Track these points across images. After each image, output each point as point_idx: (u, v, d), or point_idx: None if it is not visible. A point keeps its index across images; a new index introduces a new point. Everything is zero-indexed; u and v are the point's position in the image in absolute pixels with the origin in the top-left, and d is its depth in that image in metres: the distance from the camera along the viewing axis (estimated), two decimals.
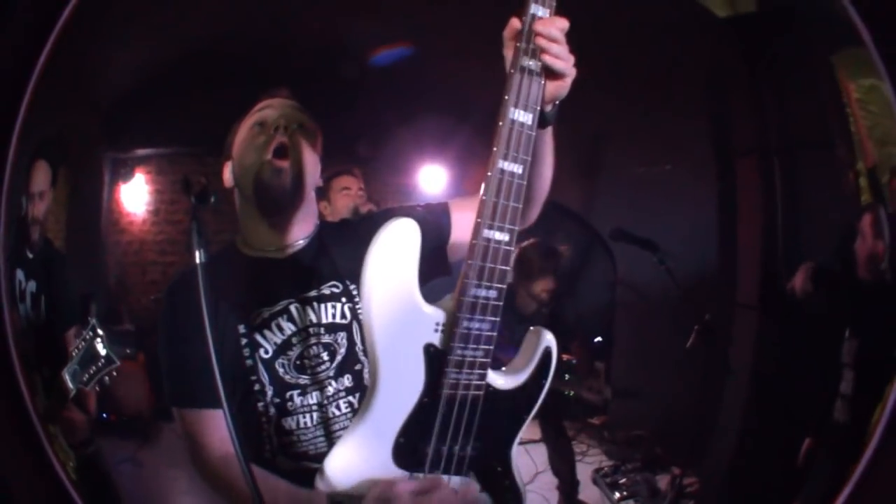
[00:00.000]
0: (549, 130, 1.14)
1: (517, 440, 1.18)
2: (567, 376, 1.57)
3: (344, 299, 1.26)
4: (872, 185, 1.65)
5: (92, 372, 1.34)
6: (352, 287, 1.26)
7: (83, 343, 1.35)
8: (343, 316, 1.25)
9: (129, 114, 1.64)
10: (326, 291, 1.26)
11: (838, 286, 1.58)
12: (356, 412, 1.20)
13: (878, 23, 1.63)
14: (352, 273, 1.25)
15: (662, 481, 1.60)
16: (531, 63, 1.02)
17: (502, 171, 1.02)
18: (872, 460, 1.48)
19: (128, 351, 1.43)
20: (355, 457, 1.09)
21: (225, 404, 1.00)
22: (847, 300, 1.57)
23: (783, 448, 1.60)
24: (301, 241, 1.30)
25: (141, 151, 1.65)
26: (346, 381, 1.25)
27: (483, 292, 1.05)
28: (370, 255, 1.05)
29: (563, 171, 1.43)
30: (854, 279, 1.54)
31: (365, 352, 1.24)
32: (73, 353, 1.37)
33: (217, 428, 1.19)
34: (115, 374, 1.33)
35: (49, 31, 1.66)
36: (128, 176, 1.64)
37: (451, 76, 1.58)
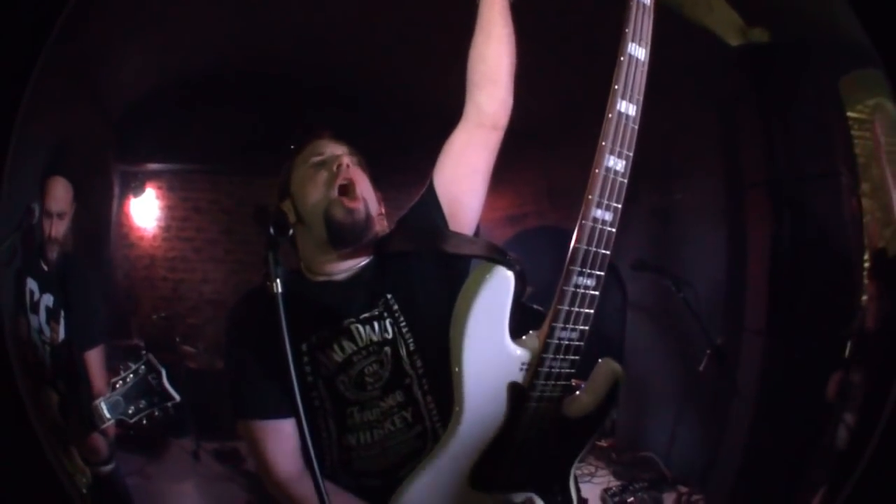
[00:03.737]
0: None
1: (577, 461, 1.24)
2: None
3: (386, 314, 1.31)
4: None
5: (141, 406, 1.37)
6: (391, 301, 1.31)
7: (132, 376, 1.36)
8: (385, 331, 1.30)
9: (141, 126, 1.63)
10: (377, 311, 1.31)
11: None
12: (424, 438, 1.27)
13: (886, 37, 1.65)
14: (392, 286, 1.31)
15: (669, 499, 1.63)
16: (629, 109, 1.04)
17: (595, 218, 1.05)
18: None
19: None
20: (433, 481, 1.18)
21: (303, 415, 1.07)
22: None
23: (786, 467, 1.63)
24: (362, 263, 1.35)
25: (152, 166, 1.64)
26: (398, 396, 1.29)
27: (567, 334, 1.10)
28: (467, 305, 1.10)
29: (573, 197, 1.44)
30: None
31: (411, 365, 1.29)
32: (117, 385, 1.37)
33: (285, 442, 1.26)
34: (170, 409, 1.36)
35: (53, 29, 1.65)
36: (138, 190, 1.64)
37: None
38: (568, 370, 1.12)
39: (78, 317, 1.66)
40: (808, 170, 1.68)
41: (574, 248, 1.06)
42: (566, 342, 1.10)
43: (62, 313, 1.65)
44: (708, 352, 1.57)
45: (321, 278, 1.34)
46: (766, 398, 1.60)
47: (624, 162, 1.05)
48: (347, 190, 1.29)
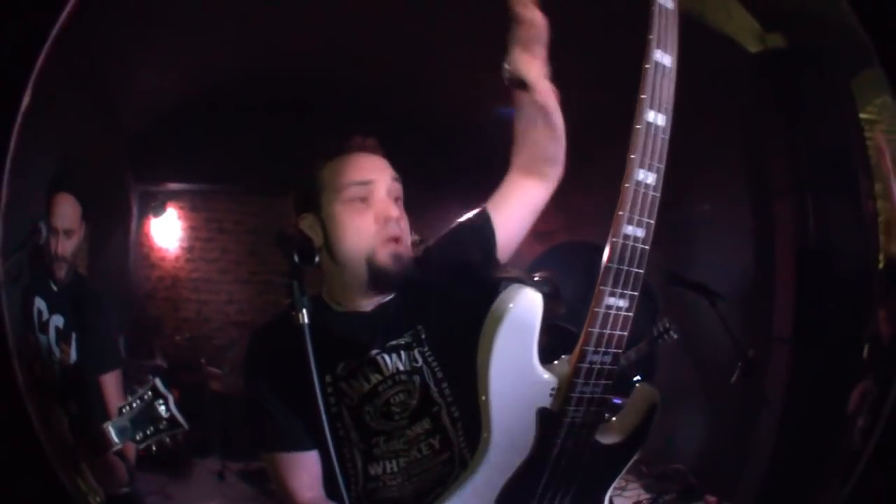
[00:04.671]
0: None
1: (611, 489, 1.19)
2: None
3: (415, 343, 1.26)
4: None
5: (148, 432, 1.33)
6: (420, 330, 1.27)
7: (139, 402, 1.33)
8: (414, 360, 1.26)
9: (161, 145, 1.60)
10: (404, 340, 1.27)
11: None
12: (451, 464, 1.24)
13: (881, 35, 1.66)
14: (421, 316, 1.27)
15: None
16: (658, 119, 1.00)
17: (626, 235, 0.99)
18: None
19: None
20: None
21: (332, 448, 1.05)
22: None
23: (810, 471, 1.65)
24: (390, 295, 1.30)
25: (173, 186, 1.61)
26: (426, 424, 1.26)
27: (600, 357, 1.04)
28: (495, 328, 1.06)
29: (602, 212, 1.44)
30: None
31: (440, 393, 1.25)
32: (124, 410, 1.34)
33: (307, 472, 1.23)
34: (179, 437, 1.30)
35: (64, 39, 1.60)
36: (158, 210, 1.61)
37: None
38: (601, 395, 1.07)
39: (93, 341, 1.63)
40: (830, 175, 1.69)
41: (605, 267, 1.00)
42: (598, 366, 1.04)
43: (73, 335, 1.63)
44: (740, 364, 1.57)
45: (346, 310, 1.29)
46: (793, 406, 1.61)
47: (655, 175, 1.00)
48: (398, 238, 1.23)
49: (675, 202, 1.62)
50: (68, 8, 1.60)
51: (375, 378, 1.25)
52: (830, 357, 1.61)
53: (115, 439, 1.36)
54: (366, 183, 1.24)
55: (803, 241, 1.61)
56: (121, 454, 1.49)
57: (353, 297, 1.28)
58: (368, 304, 1.29)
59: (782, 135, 1.67)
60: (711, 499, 1.64)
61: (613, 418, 1.18)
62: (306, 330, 1.05)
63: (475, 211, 1.32)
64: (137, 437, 1.36)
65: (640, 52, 1.06)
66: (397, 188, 1.27)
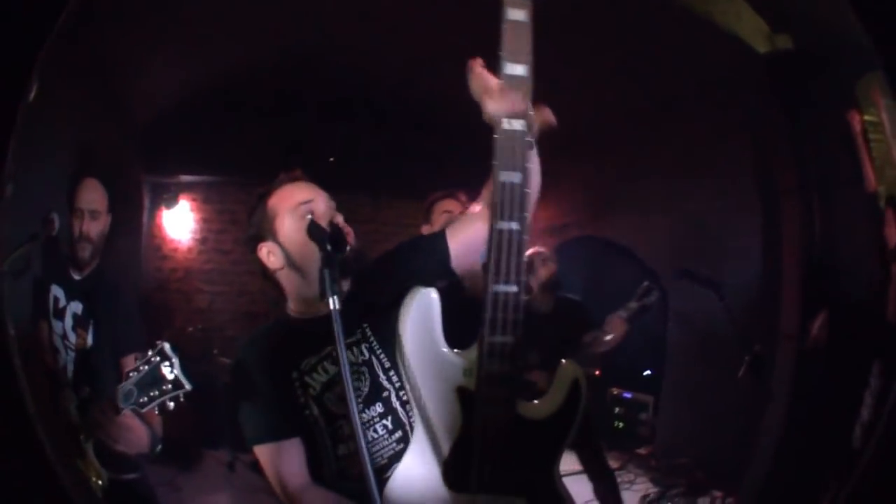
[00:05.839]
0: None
1: (557, 465, 1.29)
2: (617, 409, 1.64)
3: (362, 340, 1.43)
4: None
5: (153, 394, 1.34)
6: (366, 328, 1.44)
7: (145, 366, 1.34)
8: (362, 354, 1.42)
9: (173, 137, 1.61)
10: (354, 338, 1.43)
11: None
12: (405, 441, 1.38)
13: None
14: (366, 316, 1.43)
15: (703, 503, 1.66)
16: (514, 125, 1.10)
17: (500, 231, 1.12)
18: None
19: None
20: (406, 481, 1.31)
21: (360, 431, 1.13)
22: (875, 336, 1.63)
23: (813, 466, 1.66)
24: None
25: (185, 178, 1.63)
26: (378, 407, 1.40)
27: (499, 339, 1.16)
28: (404, 323, 1.28)
29: (612, 207, 1.47)
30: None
31: (388, 379, 1.41)
32: (131, 374, 1.36)
33: (293, 458, 1.38)
34: (182, 398, 1.33)
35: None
36: (171, 202, 1.62)
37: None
38: (511, 372, 1.17)
39: (114, 325, 1.66)
40: (835, 175, 1.71)
41: (487, 257, 1.13)
42: (499, 346, 1.15)
43: (91, 322, 1.65)
44: (747, 358, 1.59)
45: (307, 316, 1.44)
46: (799, 402, 1.62)
47: (520, 174, 1.10)
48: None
49: (685, 199, 1.65)
50: None
51: (332, 369, 1.40)
52: (836, 354, 1.62)
53: (120, 404, 1.37)
54: (310, 201, 1.39)
55: (810, 239, 1.63)
56: (145, 419, 1.50)
57: (312, 306, 1.41)
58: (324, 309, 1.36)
59: (789, 134, 1.69)
60: (717, 493, 1.66)
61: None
62: (337, 315, 1.12)
63: (435, 233, 1.44)
64: (142, 401, 1.36)
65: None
66: (333, 207, 1.41)
